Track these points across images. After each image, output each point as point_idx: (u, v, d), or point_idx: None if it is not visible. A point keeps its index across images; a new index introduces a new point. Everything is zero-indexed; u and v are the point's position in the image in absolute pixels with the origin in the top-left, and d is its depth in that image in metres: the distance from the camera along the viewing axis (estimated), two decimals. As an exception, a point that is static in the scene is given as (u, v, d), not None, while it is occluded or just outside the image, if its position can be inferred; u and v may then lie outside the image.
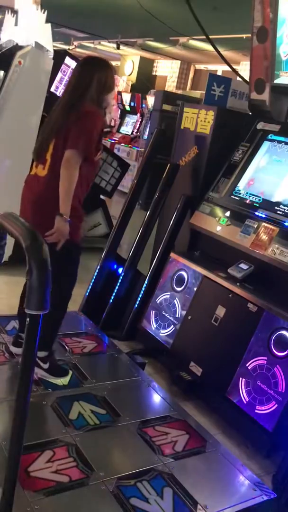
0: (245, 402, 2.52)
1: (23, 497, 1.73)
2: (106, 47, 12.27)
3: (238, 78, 3.77)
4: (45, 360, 2.53)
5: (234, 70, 4.03)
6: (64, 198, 2.36)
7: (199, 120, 3.36)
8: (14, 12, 4.90)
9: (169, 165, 3.38)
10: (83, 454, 2.00)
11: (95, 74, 2.44)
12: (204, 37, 4.20)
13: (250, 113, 3.32)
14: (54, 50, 4.50)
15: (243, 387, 2.56)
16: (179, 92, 10.65)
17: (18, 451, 1.53)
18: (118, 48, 10.81)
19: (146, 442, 2.17)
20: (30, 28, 4.31)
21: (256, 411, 2.46)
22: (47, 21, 4.34)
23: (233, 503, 1.91)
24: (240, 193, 3.09)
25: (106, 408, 2.35)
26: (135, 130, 9.77)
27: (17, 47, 4.11)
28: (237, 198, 3.09)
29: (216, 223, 3.09)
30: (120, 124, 10.37)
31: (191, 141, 3.43)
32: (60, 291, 2.44)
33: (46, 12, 4.32)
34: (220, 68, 10.95)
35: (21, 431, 1.50)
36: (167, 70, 12.67)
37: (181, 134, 3.55)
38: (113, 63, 14.46)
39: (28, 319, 1.43)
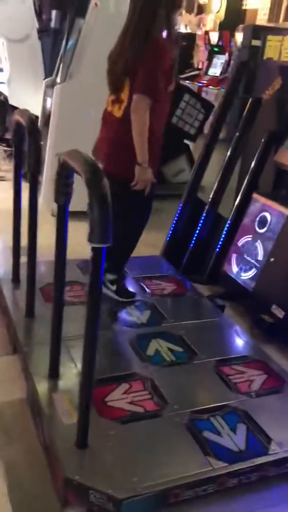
0: None
1: (100, 424, 1.83)
2: (191, -17, 11.66)
3: None
4: (112, 282, 2.73)
5: None
6: (138, 146, 2.38)
7: (283, 48, 3.10)
8: None
9: (250, 99, 3.19)
10: (158, 388, 2.06)
11: None
12: None
13: None
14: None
15: None
16: (271, 25, 9.88)
17: (89, 375, 1.61)
18: (203, -17, 10.18)
19: (222, 380, 2.17)
20: None
21: None
22: None
23: (309, 442, 1.86)
24: None
25: (183, 346, 2.38)
26: (224, 71, 9.31)
27: (93, -11, 4.03)
28: None
29: (302, 159, 2.90)
30: (208, 66, 9.92)
31: (274, 72, 3.19)
32: (133, 222, 2.67)
33: None
34: None
35: (92, 357, 1.57)
36: (258, 2, 11.74)
37: (264, 66, 3.31)
38: (201, 1, 13.70)
39: (92, 252, 1.45)
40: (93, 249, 1.44)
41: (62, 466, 1.63)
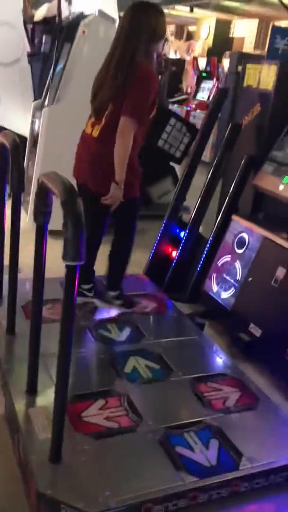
0: (303, 363, 2.48)
1: (75, 439, 1.86)
2: (180, 11, 12.00)
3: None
4: (118, 297, 2.92)
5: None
6: (119, 166, 2.48)
7: (262, 76, 3.23)
8: (82, -18, 4.95)
9: (230, 124, 3.30)
10: (134, 404, 2.09)
11: (145, 21, 2.44)
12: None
13: None
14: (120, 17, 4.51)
15: (301, 348, 2.51)
16: (257, 52, 10.19)
17: (63, 391, 1.65)
18: (191, 11, 10.48)
19: (197, 397, 2.21)
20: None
21: (315, 372, 2.41)
22: (114, -13, 4.35)
23: (280, 457, 1.91)
24: (303, 150, 2.96)
25: (160, 364, 2.42)
26: (211, 95, 9.53)
27: (81, 16, 4.17)
28: (300, 155, 2.96)
29: (279, 182, 3.00)
30: (196, 91, 10.17)
31: (254, 99, 3.32)
32: (123, 241, 2.86)
33: (111, -22, 4.33)
34: (303, 23, 10.27)
35: (66, 372, 1.62)
36: (245, 31, 12.13)
37: (243, 92, 3.44)
38: (190, 28, 14.07)
39: (65, 270, 1.51)
40: (67, 266, 1.50)
41: (35, 480, 1.66)
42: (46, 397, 2.07)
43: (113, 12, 4.37)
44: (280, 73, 3.11)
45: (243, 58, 7.93)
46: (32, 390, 2.07)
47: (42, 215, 1.82)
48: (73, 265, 1.50)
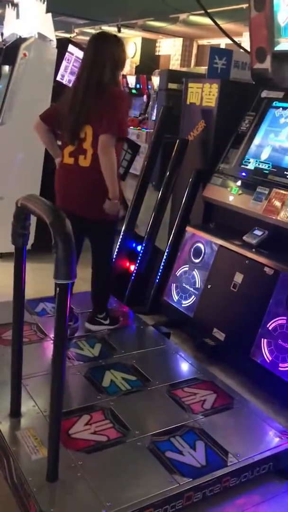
0: (268, 361, 2.64)
1: (67, 456, 1.88)
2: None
3: (240, 49, 3.80)
4: (105, 318, 2.98)
5: (233, 41, 4.06)
6: (111, 183, 2.56)
7: (204, 94, 3.42)
8: (15, 5, 4.99)
9: (177, 141, 3.46)
10: (118, 416, 2.15)
11: (111, 51, 2.54)
12: (204, 11, 4.22)
13: (254, 83, 3.36)
14: (57, 39, 4.58)
15: (265, 347, 2.67)
16: (184, 69, 10.61)
17: (58, 410, 1.68)
18: (119, 31, 10.76)
19: (176, 402, 2.30)
20: (32, 20, 4.40)
21: (280, 368, 2.57)
22: (47, 11, 4.41)
23: (262, 450, 2.03)
24: (249, 162, 3.16)
25: (136, 375, 2.49)
26: (143, 112, 9.80)
27: (20, 40, 4.21)
28: (247, 167, 3.16)
29: (228, 193, 3.18)
30: (128, 108, 10.39)
31: (197, 116, 3.50)
32: (103, 264, 2.96)
33: (45, 2, 4.40)
34: (223, 42, 10.83)
35: (60, 391, 1.64)
36: (170, 49, 12.57)
37: (187, 110, 3.62)
38: (116, 47, 14.37)
39: (57, 289, 1.55)
40: (59, 285, 1.54)
41: (37, 501, 1.67)
42: (30, 418, 2.08)
43: (50, 33, 4.42)
44: (222, 91, 3.32)
45: (173, 75, 8.19)
46: (16, 413, 2.06)
47: (21, 237, 1.84)
48: (65, 284, 1.54)
